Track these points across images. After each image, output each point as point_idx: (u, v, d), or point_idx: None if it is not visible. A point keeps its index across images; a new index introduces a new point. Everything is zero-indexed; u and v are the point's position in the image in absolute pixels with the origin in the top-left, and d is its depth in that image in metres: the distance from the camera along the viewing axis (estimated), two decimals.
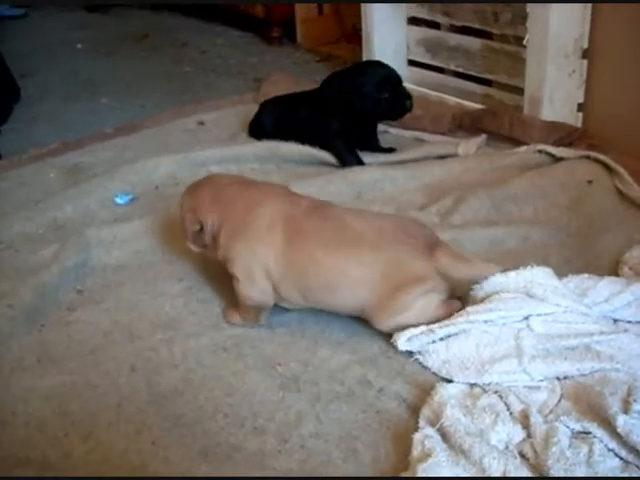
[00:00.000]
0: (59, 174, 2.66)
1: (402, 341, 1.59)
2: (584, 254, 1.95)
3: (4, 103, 3.50)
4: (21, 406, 1.55)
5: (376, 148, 2.65)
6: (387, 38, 3.24)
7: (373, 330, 1.67)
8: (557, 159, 2.37)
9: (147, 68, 4.24)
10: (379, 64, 2.62)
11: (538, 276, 1.65)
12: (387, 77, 2.52)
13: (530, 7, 2.50)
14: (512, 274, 1.66)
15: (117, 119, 3.27)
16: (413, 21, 3.25)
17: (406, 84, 3.02)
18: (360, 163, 2.52)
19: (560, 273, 1.71)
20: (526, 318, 1.56)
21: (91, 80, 4.00)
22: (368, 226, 1.65)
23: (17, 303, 1.83)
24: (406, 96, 2.52)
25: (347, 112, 2.51)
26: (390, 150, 2.64)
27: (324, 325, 1.72)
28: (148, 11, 5.98)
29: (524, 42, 2.57)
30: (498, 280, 1.66)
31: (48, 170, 2.69)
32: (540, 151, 2.41)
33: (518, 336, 1.52)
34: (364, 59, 3.32)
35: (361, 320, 1.69)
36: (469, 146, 2.54)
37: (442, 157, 2.53)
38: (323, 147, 2.55)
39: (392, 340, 1.61)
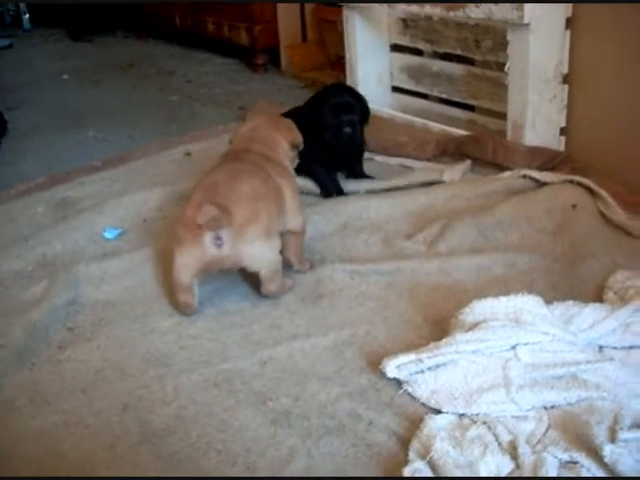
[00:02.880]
0: (47, 209, 2.66)
1: (390, 368, 1.61)
2: (570, 279, 1.98)
3: None
4: (15, 448, 1.55)
5: (360, 175, 2.67)
6: (371, 65, 3.28)
7: (362, 363, 1.69)
8: (541, 184, 2.39)
9: (134, 98, 4.27)
10: (336, 89, 2.65)
11: (528, 304, 1.68)
12: (334, 103, 2.52)
13: (510, 34, 2.54)
14: (503, 299, 1.70)
15: (105, 151, 3.29)
16: (396, 48, 3.29)
17: (390, 111, 3.08)
18: (340, 192, 2.54)
19: (546, 298, 1.74)
20: (513, 347, 1.58)
21: (78, 111, 4.01)
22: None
23: (8, 342, 1.84)
24: (346, 124, 2.50)
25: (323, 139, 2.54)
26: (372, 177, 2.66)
27: (313, 359, 1.73)
28: (133, 39, 6.02)
29: (505, 69, 2.60)
30: (488, 304, 1.69)
31: (36, 205, 2.69)
32: (524, 176, 2.44)
33: (506, 366, 1.54)
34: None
35: (350, 354, 1.73)
36: (454, 173, 2.57)
37: (427, 184, 2.56)
38: (306, 175, 2.58)
39: (380, 367, 1.63)
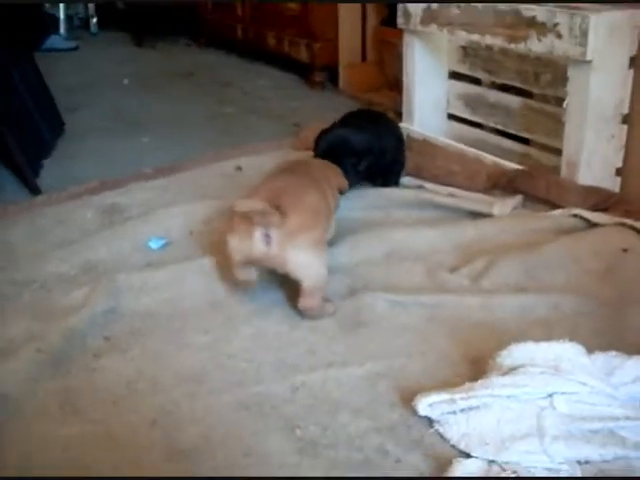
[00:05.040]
0: (96, 214, 2.68)
1: (423, 406, 1.58)
2: (615, 326, 1.91)
3: (49, 138, 3.57)
4: (39, 455, 1.55)
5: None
6: (428, 91, 3.25)
7: (395, 397, 1.66)
8: (592, 224, 2.35)
9: (190, 107, 4.31)
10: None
11: (568, 351, 1.63)
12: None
13: (571, 70, 2.49)
14: (543, 345, 1.65)
15: (157, 158, 3.31)
16: (454, 76, 3.26)
17: (444, 139, 3.06)
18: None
19: (589, 345, 1.68)
20: (550, 396, 1.53)
21: (134, 117, 4.06)
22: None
23: (45, 347, 1.84)
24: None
25: None
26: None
27: (347, 389, 1.70)
28: (194, 47, 6.09)
29: (564, 105, 2.55)
30: (528, 349, 1.65)
31: (85, 209, 2.71)
32: (575, 215, 2.40)
33: (540, 415, 1.50)
34: (404, 110, 3.34)
35: (384, 386, 1.70)
36: (505, 207, 2.53)
37: (475, 215, 2.53)
38: None
39: (413, 404, 1.60)
